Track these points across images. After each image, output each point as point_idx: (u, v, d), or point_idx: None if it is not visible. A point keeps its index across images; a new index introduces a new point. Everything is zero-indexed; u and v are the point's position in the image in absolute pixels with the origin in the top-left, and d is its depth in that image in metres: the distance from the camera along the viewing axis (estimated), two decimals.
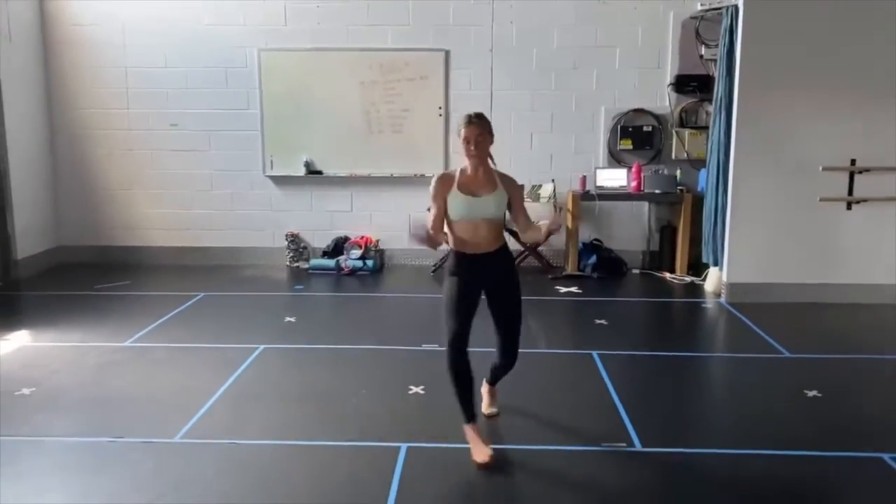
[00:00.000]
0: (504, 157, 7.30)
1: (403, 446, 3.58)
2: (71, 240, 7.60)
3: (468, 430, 3.53)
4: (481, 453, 3.43)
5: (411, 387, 4.33)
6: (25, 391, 4.27)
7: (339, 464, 3.46)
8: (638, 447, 3.64)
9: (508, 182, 3.59)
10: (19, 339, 5.21)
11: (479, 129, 3.48)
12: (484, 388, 3.99)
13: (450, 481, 3.33)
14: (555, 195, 7.34)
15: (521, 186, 4.05)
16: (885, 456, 3.52)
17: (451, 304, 3.53)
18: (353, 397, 4.21)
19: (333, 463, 3.47)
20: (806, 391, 4.32)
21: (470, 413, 3.54)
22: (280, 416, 4.01)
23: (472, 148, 3.47)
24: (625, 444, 3.65)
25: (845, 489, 3.30)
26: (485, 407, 3.95)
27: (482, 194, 3.49)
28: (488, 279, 3.59)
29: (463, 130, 3.49)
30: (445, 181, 3.55)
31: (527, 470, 3.45)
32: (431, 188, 3.56)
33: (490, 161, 3.57)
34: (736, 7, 6.12)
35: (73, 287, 6.66)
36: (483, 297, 3.62)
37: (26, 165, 7.09)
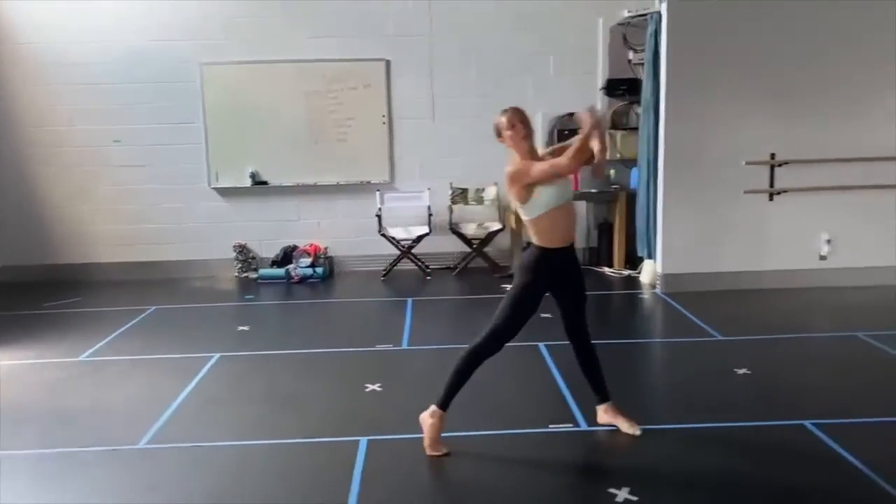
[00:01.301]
0: (449, 161, 7.65)
1: (364, 439, 3.75)
2: (15, 259, 7.54)
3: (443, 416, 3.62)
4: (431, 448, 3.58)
5: (368, 384, 4.50)
6: None
7: (302, 459, 3.62)
8: (583, 427, 3.88)
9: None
10: None
11: (518, 112, 3.50)
12: (604, 412, 3.80)
13: (410, 469, 3.50)
14: (499, 198, 7.60)
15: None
16: (807, 423, 3.84)
17: (523, 307, 3.53)
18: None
19: (297, 459, 3.62)
20: (736, 369, 4.64)
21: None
22: (241, 418, 4.13)
23: (524, 129, 3.46)
24: (571, 425, 3.90)
25: (773, 453, 3.59)
26: (627, 428, 3.75)
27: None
28: (566, 273, 3.60)
29: (505, 118, 3.49)
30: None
31: (482, 455, 3.65)
32: (527, 165, 3.42)
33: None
34: (660, 13, 6.48)
35: (20, 306, 6.62)
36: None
37: None
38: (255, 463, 3.59)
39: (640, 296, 6.66)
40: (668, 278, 6.55)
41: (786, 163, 6.38)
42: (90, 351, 5.30)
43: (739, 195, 6.42)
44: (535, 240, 3.56)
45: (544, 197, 3.44)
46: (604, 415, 3.83)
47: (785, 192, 6.41)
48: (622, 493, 3.18)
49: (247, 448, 3.75)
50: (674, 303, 6.21)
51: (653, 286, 6.74)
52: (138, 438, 3.84)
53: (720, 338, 5.31)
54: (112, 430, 3.96)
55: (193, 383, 4.61)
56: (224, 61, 7.40)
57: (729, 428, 3.85)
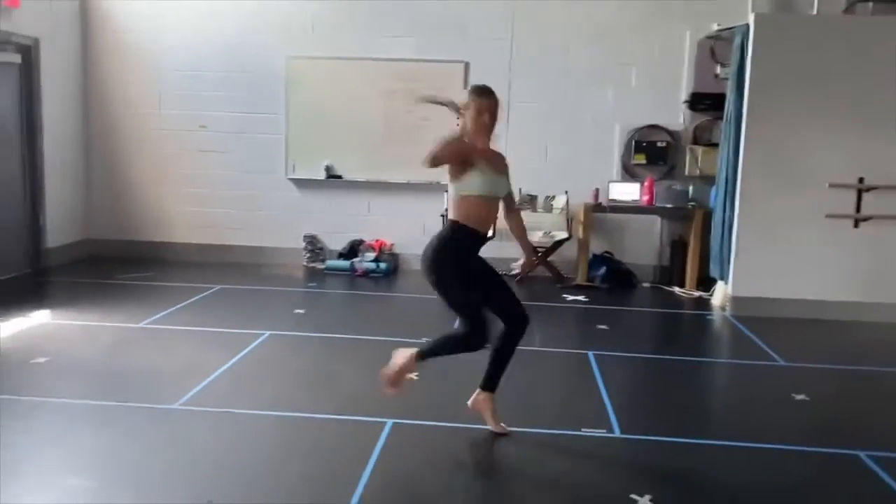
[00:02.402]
0: (519, 168, 7.53)
1: (389, 422, 3.72)
2: (99, 233, 7.92)
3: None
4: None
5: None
6: (40, 360, 4.50)
7: (325, 434, 3.62)
8: (617, 433, 3.73)
9: (503, 158, 3.61)
10: (40, 318, 5.47)
11: (496, 103, 3.48)
12: (481, 399, 3.68)
13: (427, 455, 3.45)
14: (568, 207, 7.47)
15: None
16: (862, 454, 3.56)
17: (460, 282, 3.49)
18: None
19: (320, 433, 3.64)
20: (794, 395, 4.37)
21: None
22: (276, 391, 4.19)
23: (489, 122, 3.44)
24: (604, 430, 3.75)
25: (824, 482, 3.36)
26: (495, 426, 3.66)
27: (501, 173, 3.52)
28: (477, 259, 3.61)
29: (477, 101, 3.43)
30: (470, 148, 3.45)
31: (506, 448, 3.56)
32: (455, 139, 3.43)
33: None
34: (747, 27, 6.24)
35: (97, 276, 6.96)
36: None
37: (61, 160, 7.43)
38: (279, 432, 3.63)
39: (708, 317, 6.37)
40: (738, 301, 6.25)
41: (874, 188, 6.00)
42: (150, 319, 5.49)
43: (820, 219, 6.07)
44: (451, 215, 3.54)
45: (477, 184, 3.43)
46: (478, 400, 3.67)
47: (871, 218, 6.02)
48: (643, 501, 3.03)
49: (272, 418, 3.79)
50: (740, 325, 5.92)
51: (723, 309, 6.45)
52: (175, 400, 3.94)
53: (782, 363, 5.01)
54: (154, 391, 4.08)
55: (239, 356, 4.70)
56: (309, 56, 7.60)
57: (779, 450, 3.61)
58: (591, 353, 5.01)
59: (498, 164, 3.55)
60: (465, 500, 3.10)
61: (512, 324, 3.62)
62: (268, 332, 5.20)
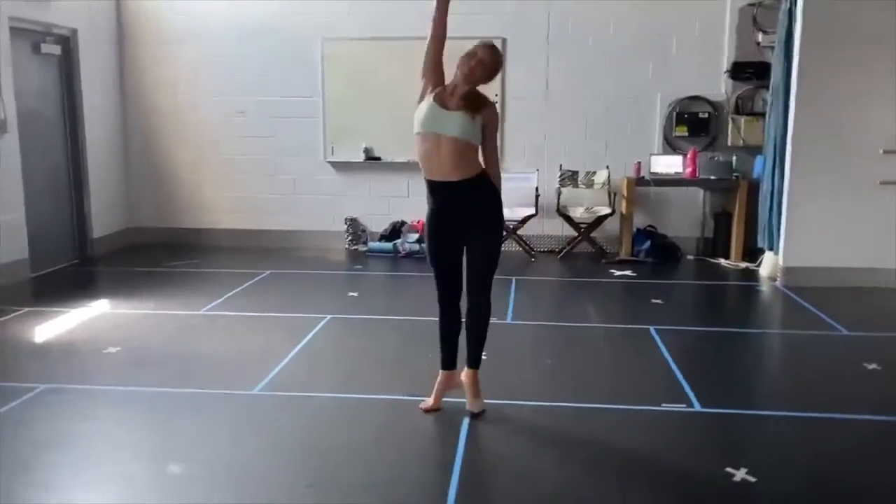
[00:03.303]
0: (560, 143, 7.55)
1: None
2: (141, 221, 7.96)
3: (440, 375, 3.62)
4: (428, 402, 3.60)
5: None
6: (112, 349, 4.55)
7: (410, 416, 3.64)
8: (697, 408, 3.74)
9: (487, 109, 3.33)
10: (100, 307, 5.52)
11: (493, 57, 3.32)
12: (464, 375, 3.60)
13: (514, 433, 3.49)
14: (609, 181, 7.43)
15: (496, 118, 3.43)
16: None
17: (429, 252, 3.47)
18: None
19: (403, 415, 3.65)
20: (865, 364, 4.35)
21: (444, 360, 3.63)
22: (351, 374, 4.21)
23: (475, 70, 3.27)
24: (685, 405, 3.76)
25: None
26: (469, 402, 3.58)
27: (451, 108, 3.28)
28: (458, 216, 3.38)
29: (480, 51, 3.31)
30: (431, 83, 3.38)
31: (591, 426, 3.58)
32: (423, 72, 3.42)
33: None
34: None
35: (145, 264, 7.00)
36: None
37: (102, 151, 7.45)
38: (360, 416, 3.65)
39: (759, 288, 6.35)
40: (789, 271, 6.22)
41: None
42: (210, 306, 5.53)
43: (874, 186, 6.00)
44: None
45: (417, 117, 3.34)
46: (466, 381, 3.61)
47: None
48: (740, 473, 3.04)
49: (352, 401, 3.82)
50: (795, 296, 5.89)
51: (773, 279, 6.42)
52: (252, 386, 3.97)
53: (846, 332, 4.99)
54: (229, 377, 4.12)
55: (306, 340, 4.73)
56: (344, 37, 7.55)
57: (857, 420, 3.62)
58: (652, 328, 5.00)
59: (460, 103, 3.28)
60: (566, 477, 3.11)
61: (468, 295, 3.51)
62: (328, 316, 5.22)
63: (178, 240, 7.84)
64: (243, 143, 7.83)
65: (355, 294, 5.99)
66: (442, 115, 3.28)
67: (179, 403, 3.78)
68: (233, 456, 3.24)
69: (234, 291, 5.95)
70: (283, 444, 3.36)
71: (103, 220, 7.47)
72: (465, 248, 3.46)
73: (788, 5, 6.22)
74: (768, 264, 6.61)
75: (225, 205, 7.93)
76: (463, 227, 3.40)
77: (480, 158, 3.42)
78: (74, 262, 7.05)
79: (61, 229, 7.00)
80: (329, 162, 7.81)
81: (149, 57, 7.77)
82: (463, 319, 3.61)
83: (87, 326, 5.04)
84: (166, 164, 7.93)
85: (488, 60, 3.31)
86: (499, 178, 3.46)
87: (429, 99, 3.35)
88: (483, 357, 3.63)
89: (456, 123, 3.26)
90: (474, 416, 3.56)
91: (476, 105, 3.31)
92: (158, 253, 7.41)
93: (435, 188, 3.39)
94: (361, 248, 7.74)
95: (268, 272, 6.63)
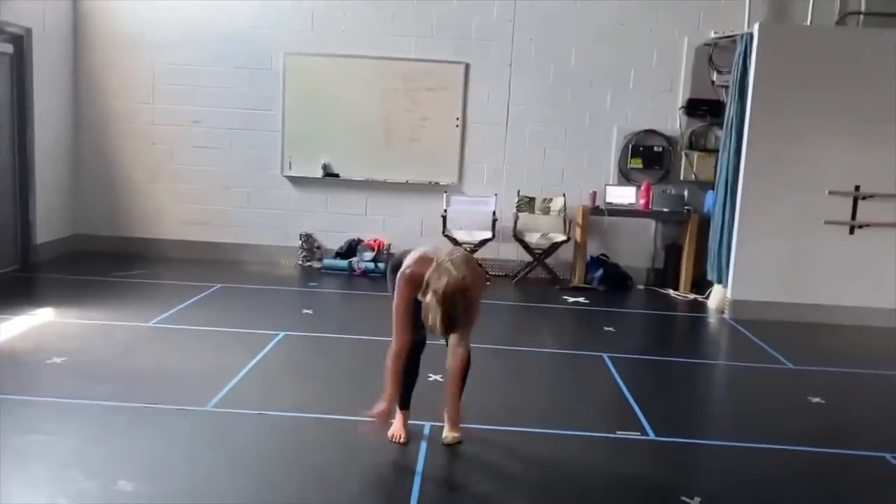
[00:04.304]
0: (518, 169, 7.63)
1: (427, 424, 3.72)
2: (89, 228, 7.73)
3: (399, 414, 3.59)
4: (399, 433, 3.56)
5: (430, 374, 4.46)
6: (56, 360, 4.39)
7: (367, 437, 3.59)
8: (651, 436, 3.79)
9: (475, 307, 3.23)
10: (44, 316, 5.32)
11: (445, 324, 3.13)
12: (445, 415, 3.62)
13: (472, 456, 3.48)
14: (565, 208, 7.54)
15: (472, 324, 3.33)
16: (888, 455, 3.68)
17: (404, 312, 3.32)
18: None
19: (360, 435, 3.61)
20: (809, 397, 4.49)
21: (404, 402, 3.61)
22: (306, 391, 4.15)
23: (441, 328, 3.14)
24: (639, 433, 3.81)
25: (854, 483, 3.47)
26: (445, 434, 3.57)
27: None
28: None
29: (431, 314, 3.11)
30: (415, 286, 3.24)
31: (547, 452, 3.60)
32: (400, 287, 3.30)
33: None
34: (750, 35, 6.38)
35: (91, 273, 6.78)
36: None
37: (51, 154, 7.23)
38: (318, 436, 3.60)
39: (707, 320, 6.51)
40: (737, 304, 6.39)
41: (870, 196, 6.18)
42: (159, 318, 5.39)
43: (819, 225, 6.24)
44: None
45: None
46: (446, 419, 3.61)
47: (868, 226, 6.21)
48: (694, 502, 3.09)
49: (310, 420, 3.76)
50: (743, 329, 6.05)
51: (720, 312, 6.58)
52: (206, 401, 3.88)
53: (791, 366, 5.15)
54: (181, 392, 4.01)
55: (260, 356, 4.65)
56: (307, 52, 7.52)
57: (806, 452, 3.72)
58: (605, 356, 5.07)
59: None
60: (522, 502, 3.11)
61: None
62: (283, 333, 5.15)
63: (126, 249, 7.63)
64: (198, 153, 7.70)
65: (310, 311, 5.92)
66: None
67: (129, 418, 3.66)
68: (187, 474, 3.15)
69: (185, 304, 5.82)
70: (239, 462, 3.29)
71: (49, 225, 7.24)
72: None
73: (743, 47, 6.45)
74: (716, 297, 6.78)
75: (177, 215, 7.77)
76: None
77: None
78: (15, 268, 6.80)
79: (3, 233, 6.75)
80: (286, 176, 7.73)
81: (104, 60, 7.59)
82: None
83: (30, 335, 4.86)
84: (118, 171, 7.73)
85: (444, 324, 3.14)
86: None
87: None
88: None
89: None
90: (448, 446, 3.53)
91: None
92: (106, 262, 7.20)
93: None
94: (315, 264, 7.67)
95: (219, 286, 6.51)
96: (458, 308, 3.10)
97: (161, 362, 4.49)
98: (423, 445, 3.53)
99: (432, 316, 3.11)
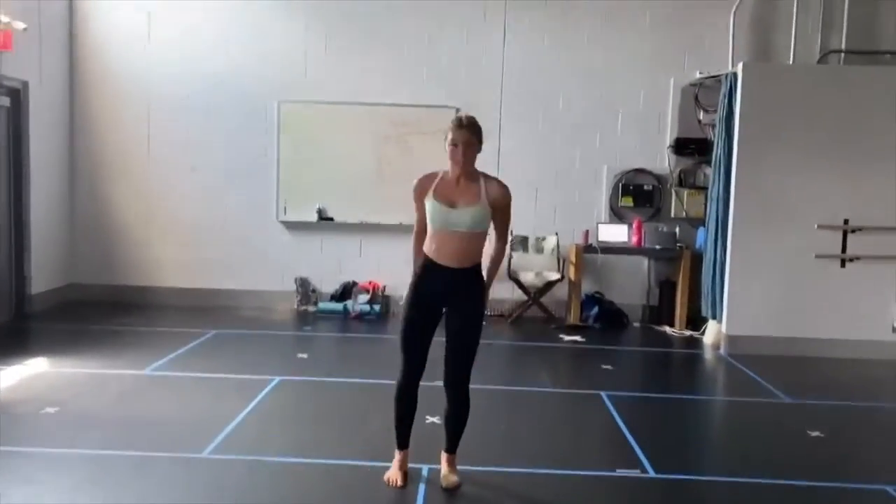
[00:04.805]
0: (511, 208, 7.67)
1: (426, 467, 3.69)
2: (84, 277, 7.72)
3: (397, 455, 3.57)
4: (395, 476, 3.52)
5: (428, 417, 4.44)
6: (49, 410, 4.35)
7: (363, 482, 3.58)
8: (651, 473, 3.77)
9: (496, 193, 3.35)
10: (37, 366, 5.29)
11: (470, 134, 3.31)
12: (442, 458, 3.59)
13: (472, 499, 3.45)
14: (558, 247, 7.59)
15: (508, 200, 3.42)
16: (889, 488, 3.67)
17: (406, 333, 3.44)
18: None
19: (358, 481, 3.59)
20: (808, 431, 4.48)
21: (402, 441, 3.59)
22: (303, 437, 4.13)
23: (460, 154, 3.29)
24: (638, 471, 3.79)
25: None
26: (444, 477, 3.53)
27: (459, 205, 3.31)
28: (449, 297, 3.41)
29: (451, 134, 3.32)
30: (424, 185, 3.40)
31: (547, 491, 3.57)
32: (413, 191, 3.44)
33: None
34: (735, 74, 6.51)
35: (86, 322, 6.76)
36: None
37: (46, 204, 7.26)
38: (316, 482, 3.57)
39: (704, 356, 6.51)
40: (732, 340, 6.40)
41: (859, 229, 6.25)
42: (154, 365, 5.36)
43: (811, 259, 6.29)
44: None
45: (429, 216, 3.38)
46: (444, 462, 3.60)
47: (859, 258, 6.27)
48: None
49: (307, 466, 3.72)
50: (739, 364, 6.05)
51: (716, 347, 6.59)
52: (203, 448, 3.85)
53: (788, 400, 5.14)
54: (176, 439, 3.98)
55: (255, 402, 4.62)
56: (301, 100, 7.62)
57: (808, 487, 3.70)
58: (604, 394, 5.06)
59: (462, 196, 3.34)
60: None
61: (447, 388, 3.52)
62: (278, 378, 5.13)
63: (121, 297, 7.61)
64: (193, 200, 7.75)
65: (305, 356, 5.90)
66: (451, 214, 3.32)
67: (124, 466, 3.63)
68: None
69: (180, 351, 5.79)
70: None
71: (44, 276, 7.23)
72: (446, 337, 3.45)
73: (728, 86, 6.58)
74: (712, 332, 6.79)
75: (172, 262, 7.77)
76: (452, 306, 3.42)
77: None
78: (10, 319, 6.77)
79: None
80: (281, 221, 7.77)
81: (100, 111, 7.68)
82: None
83: (23, 386, 4.83)
84: (113, 220, 7.76)
85: (466, 139, 3.31)
86: (503, 254, 3.54)
87: (431, 198, 3.35)
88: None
89: (466, 220, 3.32)
90: (447, 490, 3.49)
91: (482, 192, 3.34)
92: (101, 310, 7.18)
93: (434, 269, 3.40)
94: (311, 308, 7.66)
95: (214, 332, 6.49)
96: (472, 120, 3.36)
97: (156, 410, 4.46)
98: (422, 489, 3.49)
99: (451, 134, 3.33)
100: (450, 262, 3.36)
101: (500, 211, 3.39)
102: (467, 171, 3.36)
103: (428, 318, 3.44)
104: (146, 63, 7.64)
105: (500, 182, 3.42)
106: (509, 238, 3.56)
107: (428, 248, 3.42)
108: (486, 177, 3.42)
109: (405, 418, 3.57)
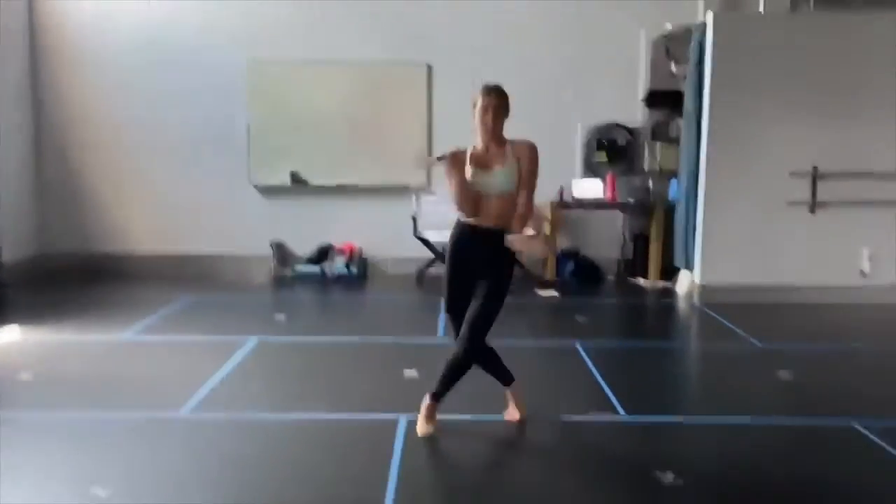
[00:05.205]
0: None
1: (403, 418, 3.74)
2: (55, 246, 7.64)
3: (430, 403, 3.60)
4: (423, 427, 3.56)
5: (405, 370, 4.50)
6: (25, 375, 4.34)
7: (341, 434, 3.62)
8: (623, 416, 3.85)
9: (521, 148, 3.50)
10: (10, 334, 5.26)
11: (499, 99, 3.45)
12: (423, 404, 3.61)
13: (449, 448, 3.50)
14: (536, 207, 7.59)
15: (532, 153, 3.56)
16: (855, 422, 3.77)
17: (449, 278, 3.57)
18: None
19: (336, 433, 3.63)
20: (779, 374, 4.57)
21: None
22: (281, 395, 4.15)
23: (490, 119, 3.41)
24: (611, 414, 3.86)
25: (824, 450, 3.55)
26: (420, 426, 3.57)
27: (494, 168, 3.45)
28: (479, 256, 3.50)
29: (482, 99, 3.44)
30: (460, 157, 3.49)
31: (522, 437, 3.64)
32: (445, 167, 3.49)
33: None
34: (704, 25, 6.50)
35: (59, 290, 6.72)
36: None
37: (13, 170, 7.14)
38: (295, 436, 3.60)
39: (677, 305, 6.60)
40: (705, 289, 6.49)
41: (829, 174, 6.32)
42: (129, 331, 5.35)
43: (782, 206, 6.36)
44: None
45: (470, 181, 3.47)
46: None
47: (827, 205, 6.35)
48: (667, 477, 3.14)
49: (286, 421, 3.75)
50: (711, 312, 6.14)
51: (689, 297, 6.68)
52: (181, 407, 3.86)
53: (760, 345, 5.24)
54: (157, 399, 4.00)
55: (234, 362, 4.64)
56: (269, 59, 7.52)
57: (778, 425, 3.79)
58: (577, 343, 5.12)
59: (491, 161, 3.47)
60: (501, 488, 3.15)
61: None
62: (256, 338, 5.13)
63: (94, 265, 7.54)
64: (164, 164, 7.66)
65: (282, 317, 5.91)
66: (486, 178, 3.45)
67: (101, 427, 3.63)
68: (162, 478, 3.13)
69: (154, 317, 5.77)
70: (215, 465, 3.28)
71: (13, 244, 7.13)
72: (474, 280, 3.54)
73: (699, 38, 6.57)
74: (684, 282, 6.88)
75: (144, 229, 7.71)
76: (479, 265, 3.51)
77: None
78: None
79: None
80: (255, 185, 7.71)
81: (65, 71, 7.53)
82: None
83: None
84: (82, 186, 7.66)
85: (496, 104, 3.45)
86: (526, 207, 3.53)
87: (470, 168, 3.46)
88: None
89: (498, 181, 3.45)
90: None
91: (509, 153, 3.48)
92: (73, 278, 7.12)
93: (469, 231, 3.52)
94: (288, 272, 7.64)
95: (189, 297, 6.47)
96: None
97: (132, 373, 4.46)
98: (400, 438, 3.53)
99: (481, 100, 3.45)
100: (486, 221, 3.48)
101: (525, 162, 3.50)
102: (497, 135, 3.49)
103: (466, 273, 3.54)
104: (112, 22, 7.48)
105: (525, 140, 3.55)
106: (535, 190, 3.64)
107: (465, 209, 3.51)
108: (513, 141, 3.54)
109: (488, 364, 3.67)
